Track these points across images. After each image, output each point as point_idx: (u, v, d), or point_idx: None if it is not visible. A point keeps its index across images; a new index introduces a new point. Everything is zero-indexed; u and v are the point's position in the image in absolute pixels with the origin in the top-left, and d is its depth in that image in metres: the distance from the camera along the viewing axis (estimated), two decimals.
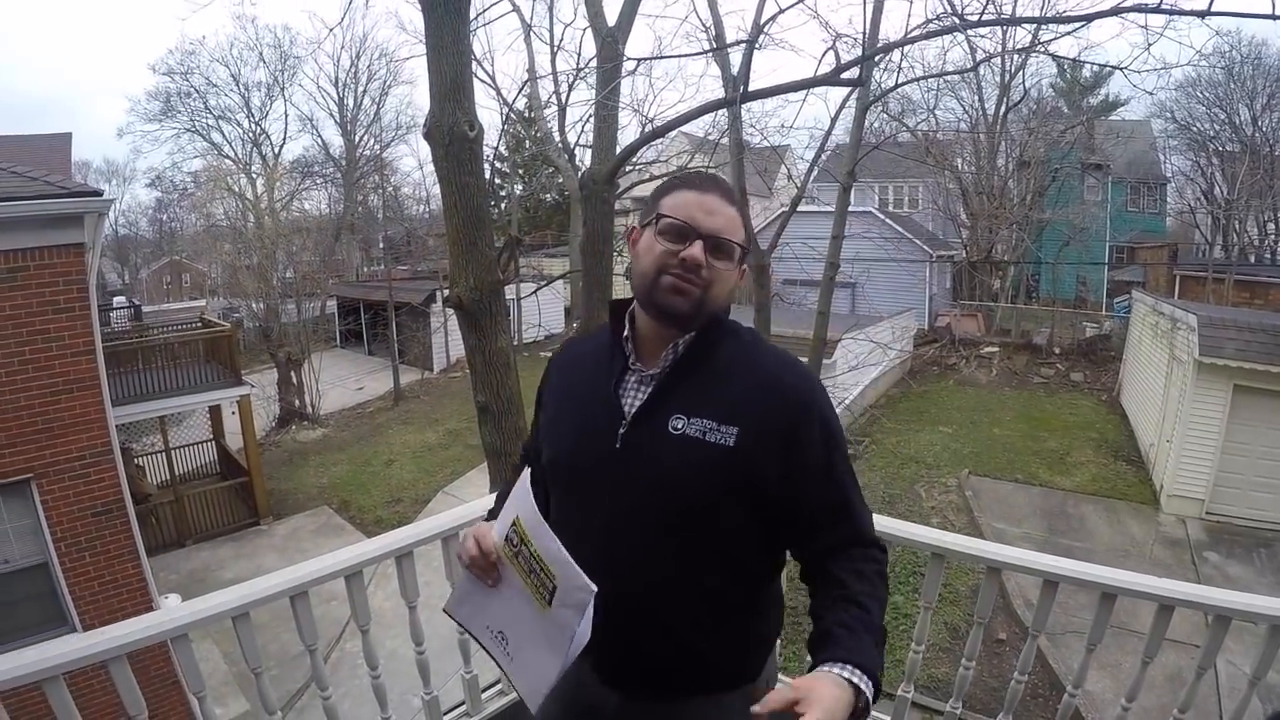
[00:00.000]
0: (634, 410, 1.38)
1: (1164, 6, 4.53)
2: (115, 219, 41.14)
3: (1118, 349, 18.61)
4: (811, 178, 10.42)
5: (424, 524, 2.56)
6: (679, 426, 1.33)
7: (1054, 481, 12.96)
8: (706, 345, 1.39)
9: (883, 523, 2.47)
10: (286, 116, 39.42)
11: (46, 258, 6.61)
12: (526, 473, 1.35)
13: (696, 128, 13.48)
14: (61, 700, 1.82)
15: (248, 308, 22.53)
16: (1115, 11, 4.82)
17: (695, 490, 1.31)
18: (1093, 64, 15.30)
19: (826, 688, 1.07)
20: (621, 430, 1.37)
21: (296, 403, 20.10)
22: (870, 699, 1.11)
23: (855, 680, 1.10)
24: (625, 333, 1.43)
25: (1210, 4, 4.23)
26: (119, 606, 7.03)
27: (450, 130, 4.65)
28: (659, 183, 1.45)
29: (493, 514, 1.50)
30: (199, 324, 16.74)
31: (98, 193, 7.19)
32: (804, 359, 9.47)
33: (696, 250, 1.31)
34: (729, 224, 1.35)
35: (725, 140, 9.40)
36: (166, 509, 12.96)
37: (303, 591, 2.18)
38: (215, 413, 15.61)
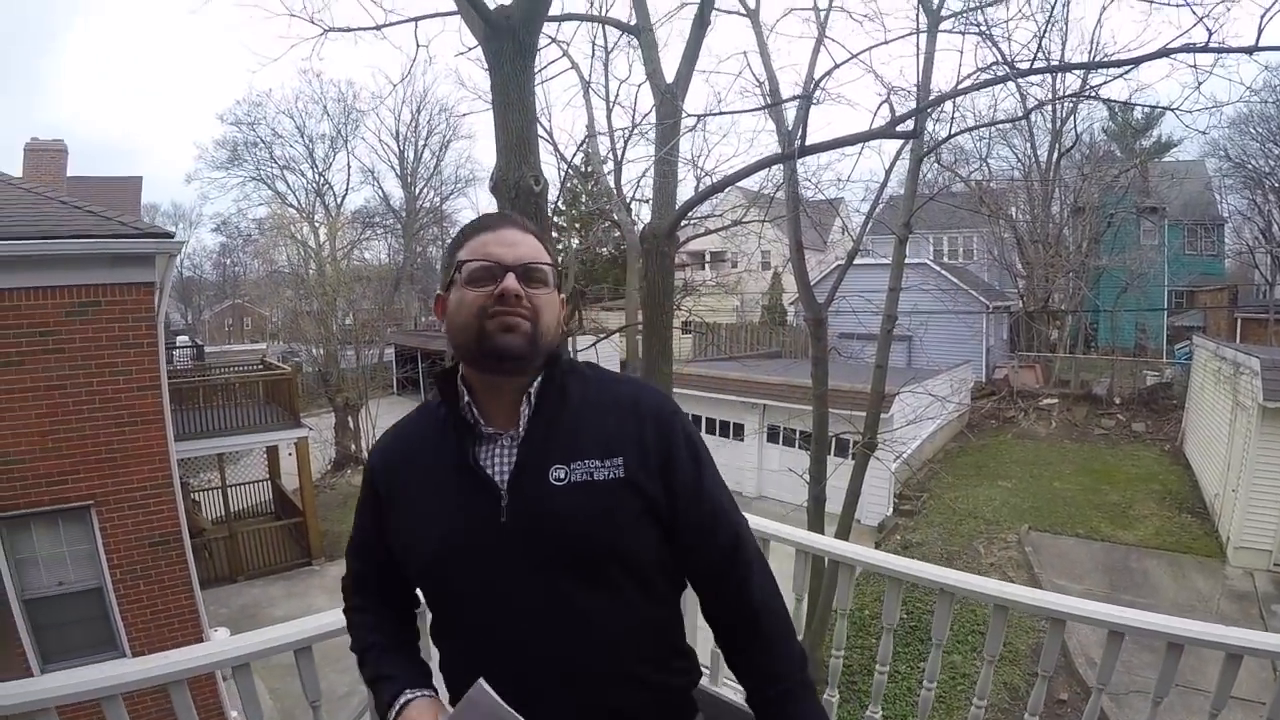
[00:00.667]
0: (507, 476, 1.27)
1: (1211, 45, 4.50)
2: (181, 261, 42.54)
3: (1179, 397, 18.19)
4: (867, 230, 10.41)
5: None
6: (562, 476, 1.25)
7: (1116, 536, 12.60)
8: (557, 389, 1.32)
9: (942, 574, 2.44)
10: (349, 168, 40.68)
11: (118, 294, 6.89)
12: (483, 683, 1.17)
13: (752, 182, 13.59)
14: (118, 717, 1.86)
15: (307, 352, 23.11)
16: (1163, 53, 4.79)
17: (605, 532, 1.25)
18: (1143, 105, 15.13)
19: None
20: (503, 502, 1.25)
21: (352, 447, 20.48)
22: None
23: None
24: (465, 399, 1.31)
25: (1258, 40, 4.19)
26: (169, 636, 7.14)
27: (516, 184, 4.73)
28: (452, 242, 1.36)
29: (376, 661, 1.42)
30: (260, 366, 17.18)
31: (169, 234, 7.53)
32: (861, 413, 9.48)
33: (510, 282, 1.23)
34: (533, 251, 1.29)
35: (781, 194, 9.46)
36: (220, 544, 13.21)
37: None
38: (272, 453, 15.96)
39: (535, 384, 1.30)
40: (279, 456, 15.99)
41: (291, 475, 14.89)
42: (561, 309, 1.33)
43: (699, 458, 1.35)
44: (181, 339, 28.39)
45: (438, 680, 1.40)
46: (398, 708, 1.31)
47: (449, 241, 1.40)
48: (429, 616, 1.43)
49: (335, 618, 2.17)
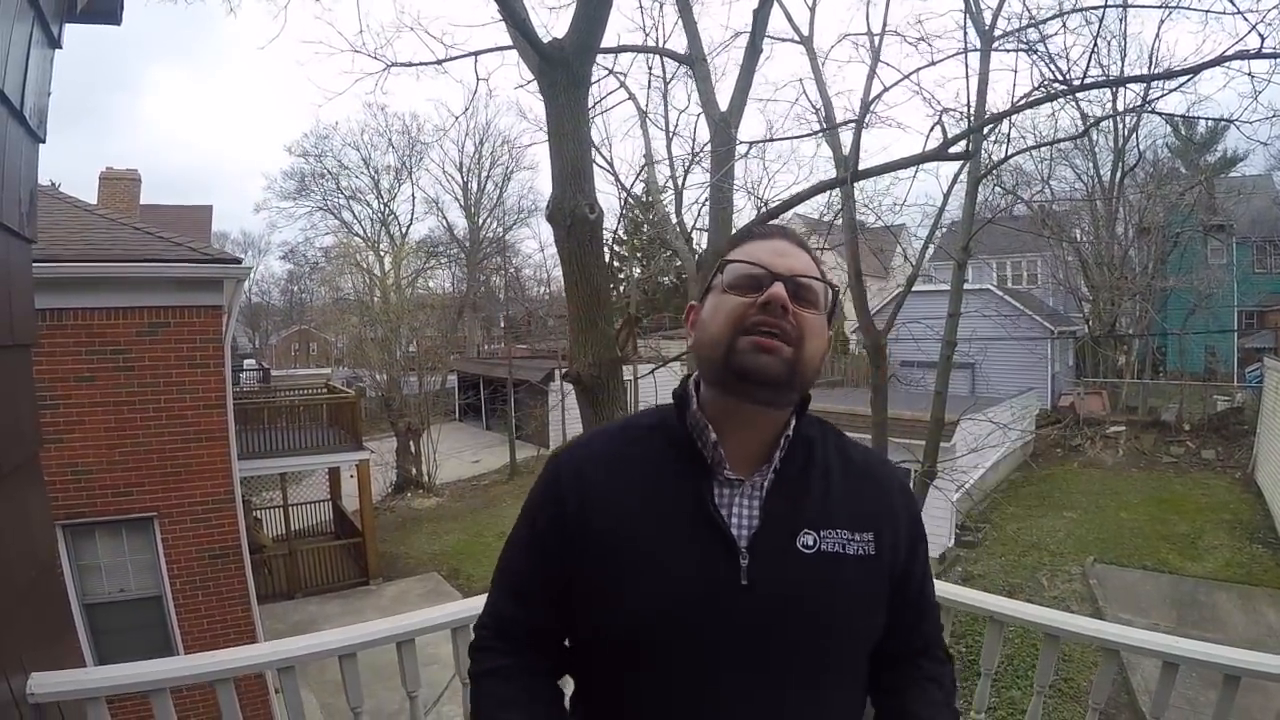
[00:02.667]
0: (752, 532, 1.08)
1: (1265, 51, 4.41)
2: (249, 288, 43.98)
3: (1251, 422, 17.37)
4: (927, 255, 10.29)
5: None
6: (811, 544, 1.08)
7: (1184, 568, 12.08)
8: (808, 438, 1.15)
9: (993, 602, 2.37)
10: (413, 198, 41.58)
11: (187, 316, 7.24)
12: None
13: (810, 209, 13.55)
14: (165, 710, 1.91)
15: (371, 378, 23.62)
16: (1217, 61, 4.72)
17: (853, 614, 1.10)
18: (1202, 118, 14.70)
19: None
20: (744, 562, 1.05)
21: (413, 471, 20.83)
22: None
23: None
24: (713, 435, 1.10)
25: None
26: (225, 645, 7.29)
27: (572, 212, 4.79)
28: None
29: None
30: (324, 390, 17.56)
31: (237, 260, 7.83)
32: (922, 442, 9.29)
33: (779, 290, 1.03)
34: (808, 267, 1.10)
35: (839, 221, 9.44)
36: (279, 561, 13.48)
37: (410, 639, 2.24)
38: (334, 474, 16.30)
39: (792, 427, 1.13)
40: (340, 478, 16.31)
41: (352, 497, 15.14)
42: (828, 345, 1.12)
43: (923, 536, 1.23)
44: (249, 362, 29.30)
45: None
46: None
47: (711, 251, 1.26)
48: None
49: (383, 626, 2.22)
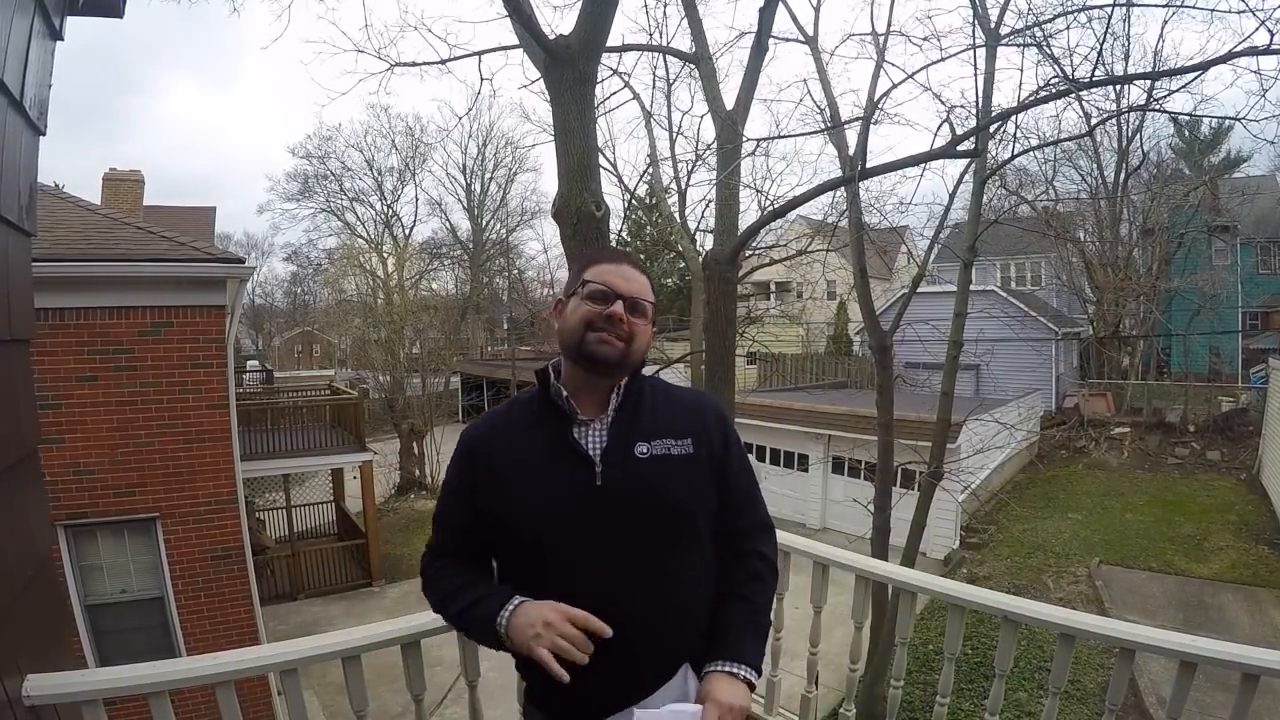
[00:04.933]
0: (602, 449, 1.55)
1: (1273, 47, 4.36)
2: (253, 289, 44.18)
3: (1256, 423, 17.40)
4: (933, 256, 10.23)
5: None
6: (645, 451, 1.56)
7: (1190, 569, 12.10)
8: (637, 388, 1.63)
9: (1006, 601, 2.34)
10: (417, 200, 41.70)
11: (189, 316, 7.20)
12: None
13: (815, 210, 13.51)
14: (164, 713, 1.89)
15: (374, 379, 23.59)
16: (1224, 59, 4.67)
17: (682, 496, 1.56)
18: (1208, 116, 14.67)
19: (724, 687, 1.47)
20: (599, 469, 1.52)
21: (417, 473, 20.80)
22: (753, 683, 1.51)
23: (743, 674, 1.50)
24: (564, 393, 1.58)
25: None
26: (227, 647, 7.26)
27: (578, 210, 4.77)
28: (579, 260, 1.71)
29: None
30: (327, 391, 17.54)
31: (240, 260, 7.79)
32: (927, 444, 9.25)
33: (618, 308, 1.54)
34: (642, 288, 1.60)
35: (844, 222, 9.37)
36: (283, 563, 13.47)
37: (414, 641, 2.21)
38: (337, 476, 16.27)
39: (623, 383, 1.61)
40: (344, 479, 16.28)
41: (355, 498, 15.13)
42: (650, 339, 1.65)
43: (740, 446, 1.73)
44: (252, 364, 29.30)
45: None
46: (512, 607, 1.48)
47: (582, 258, 1.73)
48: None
49: (387, 628, 2.20)
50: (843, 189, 8.15)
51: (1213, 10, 5.58)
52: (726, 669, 1.50)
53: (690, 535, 1.58)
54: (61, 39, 2.26)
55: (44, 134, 2.14)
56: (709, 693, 1.45)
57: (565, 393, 1.58)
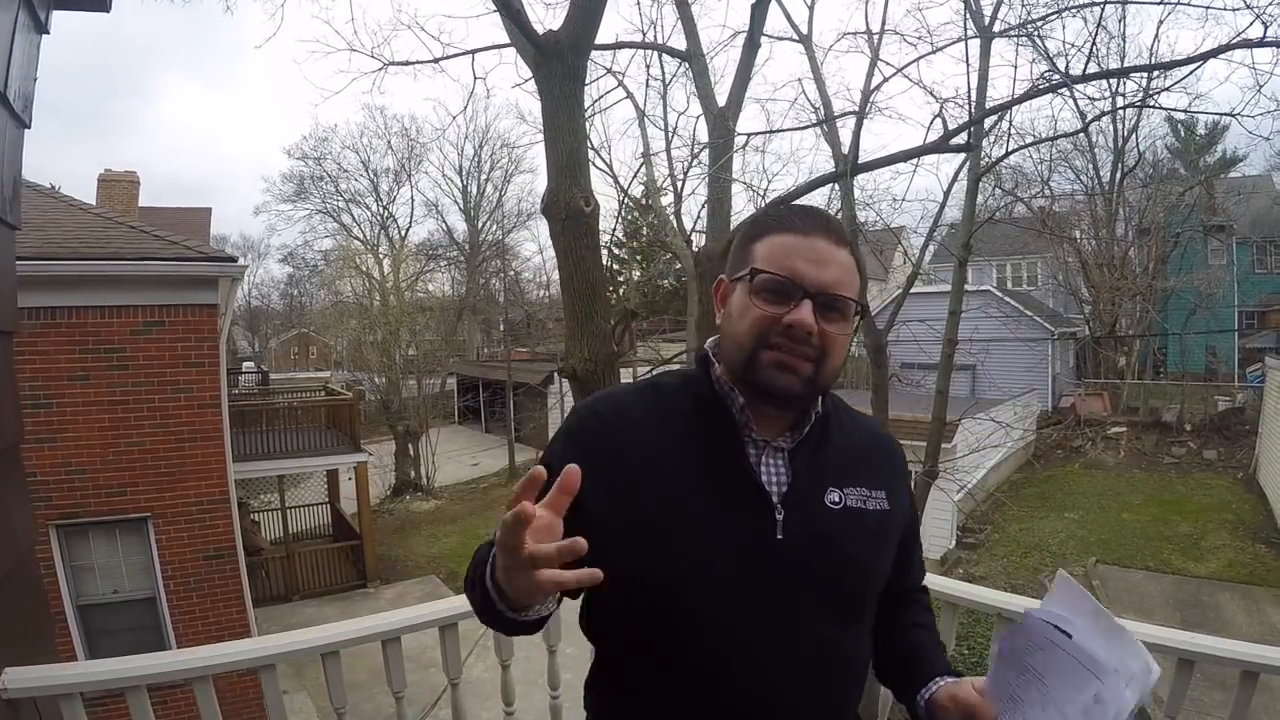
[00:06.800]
0: (784, 489, 1.12)
1: (1267, 39, 4.38)
2: (248, 291, 44.18)
3: (1252, 422, 17.41)
4: (928, 254, 10.24)
5: None
6: (837, 500, 1.14)
7: (1187, 569, 12.11)
8: (827, 406, 1.20)
9: (1001, 598, 2.30)
10: (413, 201, 41.65)
11: (182, 315, 7.19)
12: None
13: None
14: (141, 708, 1.87)
15: (370, 380, 23.56)
16: (1218, 51, 4.71)
17: (873, 564, 1.18)
18: (1203, 113, 14.73)
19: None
20: (779, 516, 1.09)
21: (412, 474, 20.80)
22: None
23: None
24: (739, 399, 1.13)
25: None
26: None
27: (567, 205, 4.77)
28: (747, 221, 1.23)
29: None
30: (323, 393, 17.51)
31: (232, 259, 7.79)
32: (923, 443, 9.26)
33: (805, 314, 1.04)
34: (843, 275, 1.08)
35: (839, 218, 9.33)
36: (277, 564, 13.41)
37: (395, 637, 2.17)
38: (333, 477, 16.22)
39: (820, 403, 1.18)
40: (339, 481, 16.24)
41: (351, 499, 15.07)
42: (846, 350, 1.15)
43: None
44: (248, 365, 29.23)
45: None
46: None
47: (752, 218, 1.27)
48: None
49: (368, 624, 2.16)
50: (836, 186, 8.16)
51: (1207, 7, 5.59)
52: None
53: (868, 610, 1.20)
54: (47, 32, 2.24)
55: (29, 127, 2.13)
56: (959, 690, 1.15)
57: (741, 399, 1.13)
